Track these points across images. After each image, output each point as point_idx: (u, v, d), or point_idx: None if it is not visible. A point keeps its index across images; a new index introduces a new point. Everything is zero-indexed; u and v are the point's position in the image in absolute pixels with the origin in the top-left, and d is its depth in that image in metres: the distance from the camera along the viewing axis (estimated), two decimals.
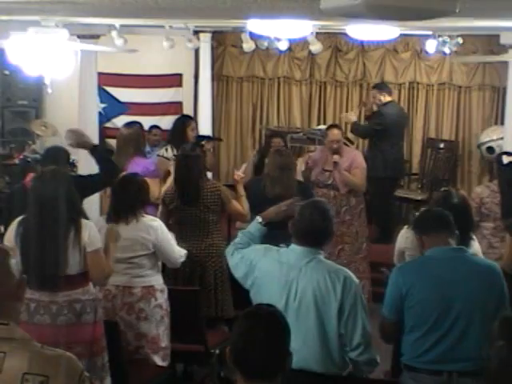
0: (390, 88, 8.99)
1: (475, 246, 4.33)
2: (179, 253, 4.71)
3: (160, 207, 5.53)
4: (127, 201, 4.55)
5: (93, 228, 4.03)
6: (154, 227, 4.54)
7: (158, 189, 5.90)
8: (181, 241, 5.32)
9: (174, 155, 6.46)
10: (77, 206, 4.02)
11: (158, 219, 4.72)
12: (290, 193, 5.34)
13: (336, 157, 6.51)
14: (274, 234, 4.63)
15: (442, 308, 3.49)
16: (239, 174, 5.54)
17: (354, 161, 6.66)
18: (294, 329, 3.38)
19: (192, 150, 6.05)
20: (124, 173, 5.41)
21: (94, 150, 5.14)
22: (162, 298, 4.60)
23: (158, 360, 4.56)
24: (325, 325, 3.46)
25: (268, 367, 2.38)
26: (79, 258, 3.95)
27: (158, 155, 6.71)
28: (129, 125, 6.50)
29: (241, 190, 5.46)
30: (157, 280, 4.63)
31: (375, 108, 8.63)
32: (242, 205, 5.39)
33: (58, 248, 3.87)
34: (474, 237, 4.39)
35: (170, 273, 5.06)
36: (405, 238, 4.47)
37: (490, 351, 2.41)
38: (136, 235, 4.50)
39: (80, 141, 5.15)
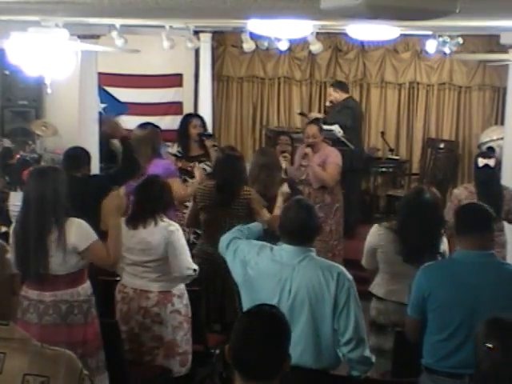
0: (346, 85, 9.24)
1: (445, 242, 4.37)
2: (189, 264, 4.54)
3: (191, 203, 5.52)
4: (149, 204, 4.46)
5: (80, 225, 3.95)
6: (171, 230, 4.45)
7: (182, 189, 5.90)
8: (206, 241, 5.31)
9: (178, 151, 6.70)
10: (63, 207, 3.93)
11: (176, 224, 4.59)
12: (269, 192, 5.33)
13: (308, 149, 6.59)
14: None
15: (465, 314, 3.44)
16: (286, 189, 5.36)
17: (329, 156, 6.73)
18: None
19: (232, 149, 6.11)
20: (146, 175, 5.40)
21: (124, 142, 5.23)
22: (181, 303, 4.52)
23: (175, 365, 4.50)
24: (319, 322, 3.48)
25: (265, 368, 2.37)
26: (64, 260, 3.90)
27: (167, 152, 6.91)
28: (142, 126, 6.47)
29: (279, 201, 5.26)
30: (175, 285, 4.54)
31: (328, 104, 8.99)
32: (275, 213, 5.20)
33: (40, 247, 3.86)
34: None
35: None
36: (377, 235, 4.44)
37: (479, 354, 2.38)
38: (153, 239, 4.43)
39: (116, 129, 5.41)
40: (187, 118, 7.04)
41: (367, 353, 3.53)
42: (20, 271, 3.66)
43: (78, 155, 5.31)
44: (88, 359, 3.96)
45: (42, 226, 3.87)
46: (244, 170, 5.51)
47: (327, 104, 9.08)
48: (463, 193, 5.51)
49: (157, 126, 8.79)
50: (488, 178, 5.41)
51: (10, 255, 2.29)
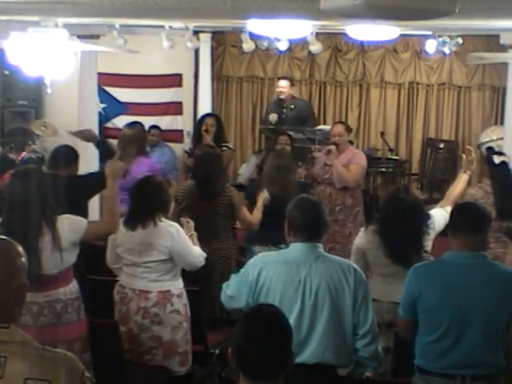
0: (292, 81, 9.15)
1: (437, 217, 4.43)
2: (198, 257, 4.57)
3: (173, 204, 5.50)
4: (145, 204, 4.43)
5: (70, 220, 3.97)
6: (171, 233, 4.42)
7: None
8: None
9: (190, 149, 6.91)
10: (50, 207, 3.92)
11: (175, 224, 4.56)
12: (287, 193, 5.33)
13: (332, 147, 6.59)
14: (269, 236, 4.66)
15: (454, 315, 3.42)
16: (266, 195, 5.45)
17: (354, 157, 6.74)
18: (310, 325, 3.43)
19: (211, 147, 6.22)
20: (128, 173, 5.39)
21: (100, 143, 5.24)
22: (180, 302, 4.50)
23: (175, 365, 4.49)
24: (340, 317, 3.48)
25: (271, 368, 2.37)
26: (61, 258, 3.91)
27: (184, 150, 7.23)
28: (130, 125, 6.51)
29: (259, 203, 5.37)
30: (174, 284, 4.52)
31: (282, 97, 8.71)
32: (254, 215, 5.33)
33: (30, 249, 3.82)
34: (431, 213, 4.47)
35: None
36: (365, 239, 4.46)
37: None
38: (152, 241, 4.40)
39: (86, 134, 5.39)
40: (201, 118, 7.23)
41: (380, 349, 3.56)
42: None
43: (63, 154, 5.27)
44: (83, 354, 3.98)
45: (31, 228, 3.84)
46: (222, 167, 5.53)
47: (281, 97, 8.71)
48: (479, 192, 5.45)
49: (157, 127, 8.86)
50: (508, 175, 5.41)
51: (25, 259, 2.25)
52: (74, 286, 4.07)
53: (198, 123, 7.06)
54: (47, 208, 3.90)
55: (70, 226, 3.94)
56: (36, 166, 4.74)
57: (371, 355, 3.53)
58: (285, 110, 8.55)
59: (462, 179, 5.01)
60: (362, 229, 4.57)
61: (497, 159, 5.43)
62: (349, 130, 6.98)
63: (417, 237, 4.32)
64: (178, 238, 4.45)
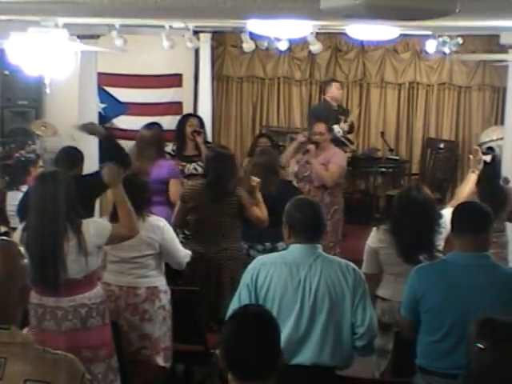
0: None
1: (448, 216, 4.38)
2: (184, 253, 4.70)
3: (178, 203, 5.47)
4: (133, 201, 4.42)
5: (95, 223, 3.98)
6: (161, 227, 4.52)
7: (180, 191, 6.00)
8: (196, 241, 5.30)
9: (173, 150, 6.80)
10: (76, 210, 3.91)
11: (163, 219, 4.66)
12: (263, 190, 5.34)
13: (311, 146, 6.68)
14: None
15: (457, 316, 3.42)
16: (255, 179, 5.42)
17: (333, 157, 6.78)
18: (309, 325, 3.42)
19: (222, 148, 6.18)
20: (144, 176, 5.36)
21: (105, 139, 5.20)
22: (166, 299, 4.57)
23: (160, 360, 4.53)
24: (339, 318, 3.48)
25: (260, 367, 2.37)
26: (84, 262, 3.89)
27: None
28: (148, 126, 6.45)
29: (257, 194, 5.35)
30: (161, 281, 4.60)
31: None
32: (261, 210, 5.29)
33: (58, 252, 3.81)
34: (443, 212, 4.42)
35: (187, 274, 5.06)
36: (377, 238, 4.45)
37: (470, 354, 2.37)
38: (142, 235, 4.43)
39: (90, 128, 5.41)
40: (185, 118, 7.11)
41: (374, 345, 3.61)
42: (35, 279, 3.63)
43: (71, 155, 5.28)
44: (110, 360, 3.99)
45: (59, 232, 3.82)
46: (235, 168, 5.51)
47: (339, 97, 8.83)
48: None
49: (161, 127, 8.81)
50: (499, 171, 5.42)
51: (27, 261, 2.25)
52: (98, 290, 4.05)
53: (181, 123, 6.90)
54: (72, 211, 3.87)
55: (94, 229, 3.93)
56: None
57: (364, 351, 3.58)
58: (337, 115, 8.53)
59: (471, 179, 5.08)
60: (374, 229, 4.56)
61: (488, 158, 5.43)
62: (330, 129, 7.03)
63: (428, 235, 4.30)
64: (168, 231, 4.55)
